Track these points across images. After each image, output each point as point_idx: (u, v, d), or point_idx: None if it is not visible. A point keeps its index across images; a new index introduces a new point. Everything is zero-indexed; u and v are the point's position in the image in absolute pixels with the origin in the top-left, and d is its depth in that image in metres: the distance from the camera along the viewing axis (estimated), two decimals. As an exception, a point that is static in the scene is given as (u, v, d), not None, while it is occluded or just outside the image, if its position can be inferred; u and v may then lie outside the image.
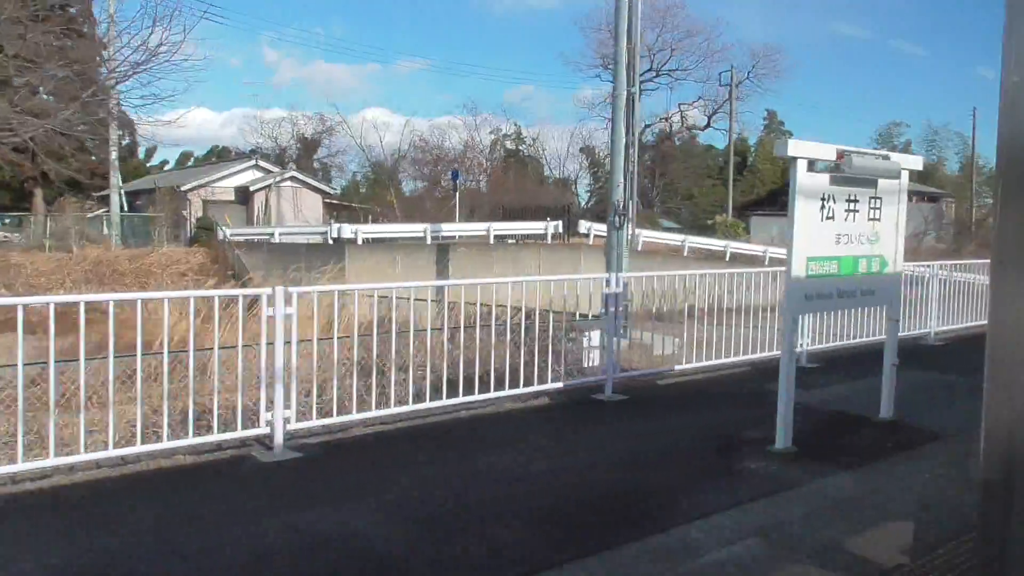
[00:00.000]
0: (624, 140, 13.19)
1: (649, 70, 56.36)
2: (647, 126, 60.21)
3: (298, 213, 27.89)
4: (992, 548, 2.90)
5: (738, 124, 57.50)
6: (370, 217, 30.10)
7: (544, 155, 56.78)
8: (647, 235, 22.98)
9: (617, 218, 14.08)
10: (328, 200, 29.60)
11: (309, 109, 51.42)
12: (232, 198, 27.78)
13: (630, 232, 14.34)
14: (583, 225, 22.10)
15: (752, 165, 57.83)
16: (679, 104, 56.91)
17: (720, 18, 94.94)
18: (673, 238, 24.28)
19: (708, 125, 60.13)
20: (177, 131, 14.72)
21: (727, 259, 25.21)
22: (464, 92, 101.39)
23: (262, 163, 29.93)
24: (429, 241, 19.25)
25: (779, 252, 27.67)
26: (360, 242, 18.55)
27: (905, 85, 76.62)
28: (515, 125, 56.09)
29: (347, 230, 18.54)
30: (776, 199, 49.89)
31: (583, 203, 58.66)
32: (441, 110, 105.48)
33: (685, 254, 23.78)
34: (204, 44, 30.85)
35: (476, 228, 20.76)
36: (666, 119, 56.27)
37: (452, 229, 20.43)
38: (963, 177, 61.29)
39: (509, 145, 57.07)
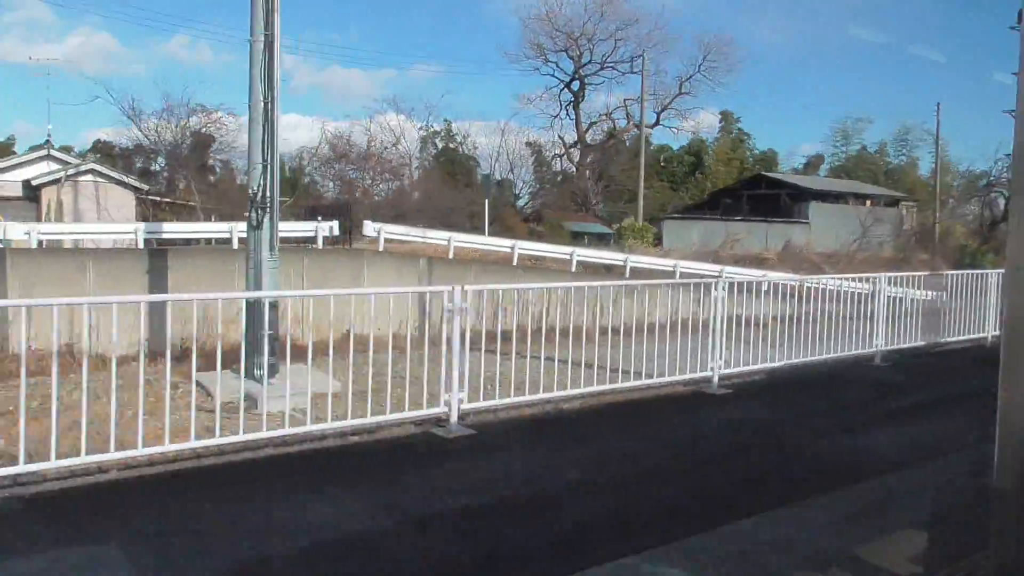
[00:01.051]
0: (264, 103, 9.27)
1: (590, 62, 52.20)
2: (592, 124, 56.07)
3: (102, 211, 23.94)
4: (1007, 560, 2.84)
5: (690, 122, 53.39)
6: (213, 217, 26.18)
7: (477, 153, 52.49)
8: (435, 236, 18.83)
9: (255, 213, 10.34)
10: (144, 197, 25.63)
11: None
12: (20, 193, 23.88)
13: (278, 231, 10.67)
14: (370, 226, 17.95)
15: (705, 167, 53.39)
16: (624, 99, 52.64)
17: (666, 5, 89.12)
18: (499, 243, 20.11)
19: (657, 122, 55.75)
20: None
21: (573, 269, 21.04)
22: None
23: (57, 154, 25.97)
24: (141, 244, 15.22)
25: (648, 262, 23.43)
26: (35, 244, 14.55)
27: (872, 82, 72.19)
28: (445, 121, 51.83)
29: (17, 230, 14.51)
30: (718, 202, 45.61)
31: (524, 204, 54.69)
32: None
33: (515, 263, 19.60)
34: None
35: (215, 229, 16.64)
36: (607, 115, 52.00)
37: (180, 230, 16.38)
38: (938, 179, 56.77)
39: (440, 143, 52.81)
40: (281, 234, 18.59)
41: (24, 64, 58.99)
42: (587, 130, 54.34)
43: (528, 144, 54.19)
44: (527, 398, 6.71)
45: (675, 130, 55.07)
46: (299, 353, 6.93)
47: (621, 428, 6.63)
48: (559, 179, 54.33)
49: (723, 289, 7.83)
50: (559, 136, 53.88)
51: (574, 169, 54.03)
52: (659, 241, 33.16)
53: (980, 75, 69.45)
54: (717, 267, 23.29)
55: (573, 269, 20.65)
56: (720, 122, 57.90)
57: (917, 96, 69.38)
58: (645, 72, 35.76)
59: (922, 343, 10.47)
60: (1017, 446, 2.74)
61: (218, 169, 44.10)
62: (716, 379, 7.78)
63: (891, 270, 28.19)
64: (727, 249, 29.21)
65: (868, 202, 42.85)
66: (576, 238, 40.37)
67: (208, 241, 16.86)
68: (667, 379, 7.61)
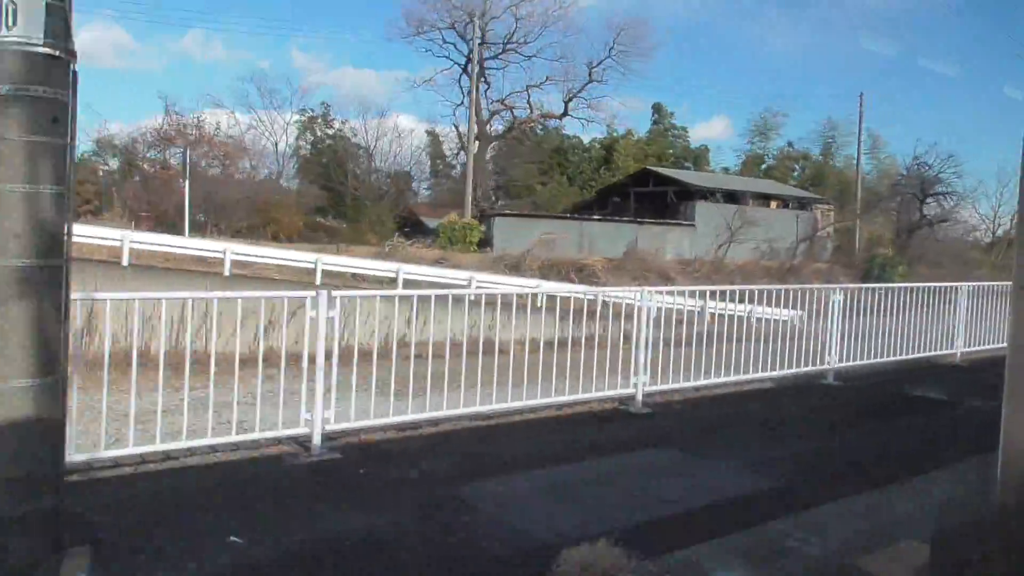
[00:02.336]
0: None
1: (483, 43, 46.68)
2: (493, 114, 50.67)
3: None
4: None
5: (601, 113, 48.06)
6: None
7: (357, 142, 47.01)
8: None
9: None
10: None
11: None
12: None
13: None
14: None
15: (613, 163, 47.98)
16: (527, 86, 47.24)
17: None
18: (105, 234, 14.82)
19: (565, 113, 50.31)
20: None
21: (227, 273, 15.76)
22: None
23: None
24: None
25: (345, 265, 18.13)
26: None
27: (798, 70, 66.86)
28: (323, 107, 46.44)
29: None
30: (606, 201, 40.28)
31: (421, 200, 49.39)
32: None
33: (125, 262, 14.29)
34: None
35: None
36: (502, 101, 46.45)
37: None
38: (880, 178, 51.41)
39: (319, 131, 47.35)
40: None
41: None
42: (488, 120, 49.11)
43: (428, 133, 49.22)
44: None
45: (585, 121, 49.97)
46: None
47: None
48: (452, 171, 49.15)
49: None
50: (454, 126, 48.73)
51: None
52: (488, 243, 27.88)
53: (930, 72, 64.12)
54: (467, 275, 18.07)
55: (227, 273, 15.38)
56: (652, 115, 53.01)
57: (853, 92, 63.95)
58: (475, 35, 30.28)
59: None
60: (1020, 462, 2.66)
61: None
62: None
63: (767, 281, 22.45)
64: (544, 252, 23.89)
65: (774, 203, 37.56)
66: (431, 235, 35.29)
67: None
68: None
